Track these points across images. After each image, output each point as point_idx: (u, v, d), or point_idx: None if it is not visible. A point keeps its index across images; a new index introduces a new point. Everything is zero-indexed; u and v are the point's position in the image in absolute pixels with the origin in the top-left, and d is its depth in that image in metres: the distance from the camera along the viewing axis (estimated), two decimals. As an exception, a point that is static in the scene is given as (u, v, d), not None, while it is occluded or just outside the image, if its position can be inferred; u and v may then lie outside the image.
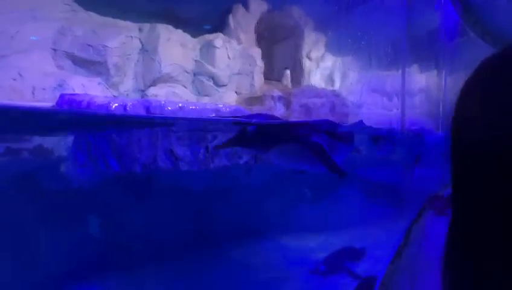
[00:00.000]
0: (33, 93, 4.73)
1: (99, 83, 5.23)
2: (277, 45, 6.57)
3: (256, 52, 6.00)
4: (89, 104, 3.64)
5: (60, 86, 4.91)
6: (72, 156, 4.35)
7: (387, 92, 8.29)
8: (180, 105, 4.01)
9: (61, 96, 3.88)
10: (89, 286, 4.10)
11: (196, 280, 4.23)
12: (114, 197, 4.63)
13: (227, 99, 5.67)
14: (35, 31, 4.86)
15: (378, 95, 8.58)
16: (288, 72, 6.50)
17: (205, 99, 5.46)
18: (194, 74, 5.44)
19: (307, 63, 6.73)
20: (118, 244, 4.58)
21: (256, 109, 5.55)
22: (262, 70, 6.10)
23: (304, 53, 6.76)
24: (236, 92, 5.85)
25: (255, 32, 6.14)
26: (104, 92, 5.20)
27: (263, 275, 4.24)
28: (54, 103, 3.83)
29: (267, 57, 6.15)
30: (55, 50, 5.04)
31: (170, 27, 5.31)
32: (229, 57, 5.67)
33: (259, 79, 6.03)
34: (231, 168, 5.00)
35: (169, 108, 3.89)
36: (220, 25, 5.90)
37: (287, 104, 6.07)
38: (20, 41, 4.73)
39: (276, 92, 5.93)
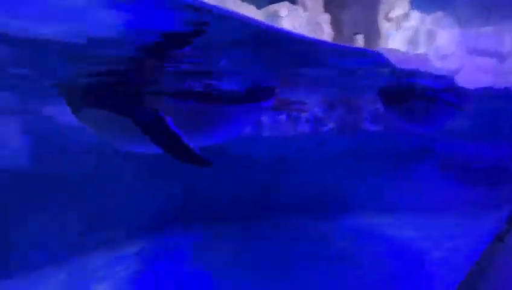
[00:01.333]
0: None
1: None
2: (347, 9, 6.01)
3: (324, 19, 5.65)
4: None
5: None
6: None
7: (497, 52, 6.66)
8: None
9: None
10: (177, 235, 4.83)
11: (264, 246, 4.46)
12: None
13: (292, 71, 5.60)
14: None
15: (487, 57, 6.98)
16: (360, 37, 5.92)
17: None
18: (259, 46, 5.53)
19: (384, 25, 5.97)
20: (193, 202, 5.23)
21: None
22: (331, 37, 5.73)
23: (382, 14, 5.99)
24: (301, 63, 5.70)
25: (323, -3, 5.74)
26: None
27: (339, 252, 4.16)
28: None
29: (335, 23, 5.72)
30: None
31: (237, 1, 5.45)
32: (294, 26, 5.51)
33: (326, 47, 5.69)
34: (312, 136, 4.96)
35: None
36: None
37: (359, 73, 5.60)
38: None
39: (346, 60, 5.52)
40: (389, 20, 5.97)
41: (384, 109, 3.87)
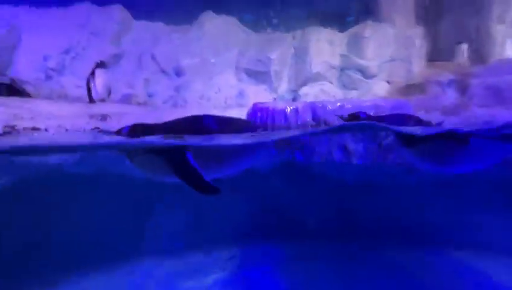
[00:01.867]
0: (225, 102, 6.61)
1: (265, 89, 6.49)
2: (445, 17, 5.36)
3: (416, 32, 5.23)
4: (273, 110, 4.64)
5: (240, 94, 6.57)
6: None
7: None
8: (339, 104, 4.32)
9: (254, 105, 4.77)
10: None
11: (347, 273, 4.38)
12: (285, 180, 5.53)
13: (377, 91, 5.38)
14: (224, 56, 6.69)
15: None
16: (464, 46, 5.17)
17: (352, 93, 5.46)
18: (341, 69, 5.56)
19: (496, 29, 5.03)
20: (280, 217, 5.54)
21: (416, 99, 4.93)
22: (424, 51, 5.25)
23: (494, 16, 5.08)
24: (388, 82, 5.40)
25: (413, 9, 5.33)
26: (268, 96, 6.41)
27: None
28: (248, 109, 4.80)
29: (430, 34, 5.21)
30: (236, 68, 6.73)
31: (319, 28, 5.71)
32: (379, 45, 5.33)
33: (419, 62, 5.25)
34: (399, 165, 4.77)
35: (330, 107, 4.33)
36: (366, 13, 5.62)
37: (463, 89, 4.91)
38: (217, 65, 6.71)
39: (445, 75, 4.94)
40: (503, 22, 5.00)
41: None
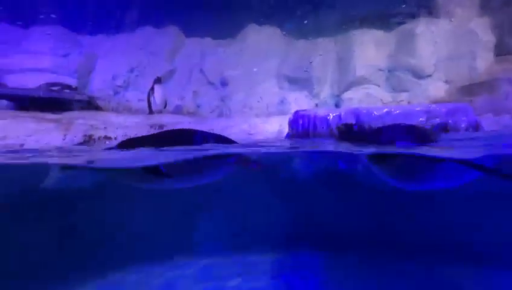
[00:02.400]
0: (267, 109, 6.63)
1: (306, 95, 6.35)
2: (517, 4, 4.57)
3: (479, 24, 4.58)
4: (315, 117, 4.54)
5: (282, 101, 6.52)
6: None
7: None
8: (385, 110, 4.01)
9: (296, 112, 4.65)
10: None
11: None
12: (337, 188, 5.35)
13: (433, 92, 4.83)
14: (266, 65, 6.74)
15: None
16: (545, 36, 4.35)
17: (402, 96, 4.99)
18: (389, 71, 5.14)
19: None
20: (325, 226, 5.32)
21: (481, 101, 4.30)
22: (491, 45, 4.57)
23: None
24: (446, 82, 4.81)
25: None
26: (309, 102, 6.25)
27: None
28: (289, 117, 4.93)
29: (496, 25, 4.52)
30: (278, 76, 6.72)
31: (362, 30, 5.39)
32: (434, 42, 4.80)
33: (484, 58, 4.56)
34: None
35: (376, 113, 4.04)
36: (416, 8, 5.10)
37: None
38: (259, 74, 6.79)
39: (519, 70, 4.22)
40: None
41: None
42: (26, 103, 5.05)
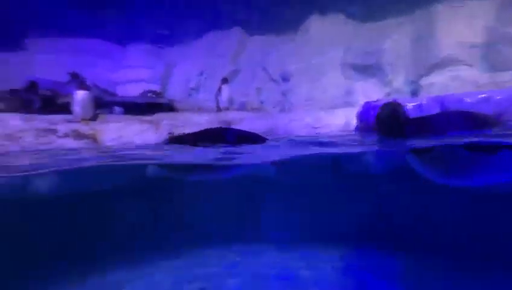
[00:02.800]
0: (332, 101, 6.26)
1: (375, 84, 5.76)
2: None
3: None
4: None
5: (348, 92, 6.07)
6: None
7: None
8: (483, 96, 3.18)
9: (366, 103, 4.22)
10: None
11: None
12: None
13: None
14: (330, 56, 6.34)
15: None
16: None
17: (504, 76, 4.06)
18: (487, 46, 4.25)
19: None
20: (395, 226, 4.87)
21: None
22: None
23: None
24: None
25: None
26: (379, 91, 5.65)
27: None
28: (358, 108, 4.32)
29: None
30: (343, 65, 6.26)
31: (448, 2, 4.56)
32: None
33: None
34: None
35: (468, 100, 3.36)
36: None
37: None
38: (323, 65, 6.43)
39: None
40: None
41: None
42: (131, 108, 6.09)
